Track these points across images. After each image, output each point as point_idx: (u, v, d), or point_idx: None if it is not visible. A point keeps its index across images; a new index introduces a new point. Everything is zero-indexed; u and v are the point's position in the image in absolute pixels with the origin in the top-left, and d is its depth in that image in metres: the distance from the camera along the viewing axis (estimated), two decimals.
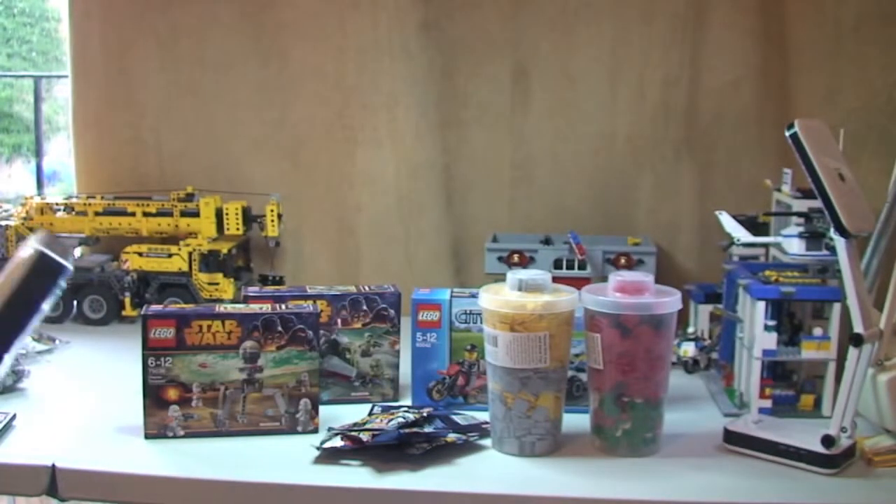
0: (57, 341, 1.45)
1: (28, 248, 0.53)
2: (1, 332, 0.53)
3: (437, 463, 1.06)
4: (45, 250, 0.53)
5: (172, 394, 1.11)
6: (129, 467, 1.04)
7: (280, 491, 1.01)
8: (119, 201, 1.68)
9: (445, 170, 1.72)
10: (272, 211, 1.64)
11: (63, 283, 0.53)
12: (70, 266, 0.54)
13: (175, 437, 1.12)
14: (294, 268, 1.76)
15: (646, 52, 1.64)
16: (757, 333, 1.19)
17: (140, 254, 1.63)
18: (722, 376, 1.34)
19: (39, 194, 1.94)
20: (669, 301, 1.08)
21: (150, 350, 1.10)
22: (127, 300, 1.62)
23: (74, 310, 1.65)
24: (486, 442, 1.12)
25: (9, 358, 0.56)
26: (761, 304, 1.18)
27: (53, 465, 1.03)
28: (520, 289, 1.09)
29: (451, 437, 1.10)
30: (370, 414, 1.19)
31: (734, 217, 1.38)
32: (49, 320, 1.61)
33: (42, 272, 0.53)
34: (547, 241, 1.55)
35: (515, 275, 1.10)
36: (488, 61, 1.69)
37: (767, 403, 1.20)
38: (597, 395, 1.11)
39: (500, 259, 1.49)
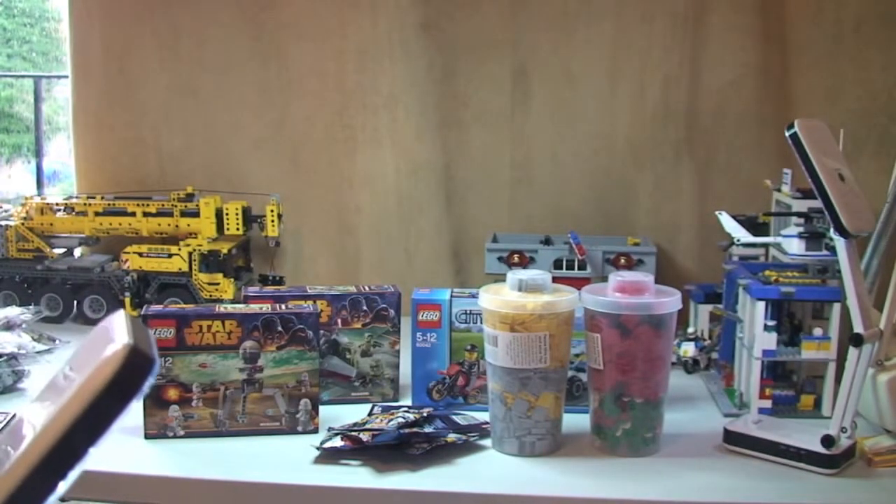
0: (57, 341, 1.45)
1: (116, 344, 0.44)
2: (75, 443, 0.45)
3: (437, 463, 1.06)
4: (137, 344, 0.44)
5: (172, 394, 1.11)
6: (129, 467, 1.04)
7: (280, 491, 1.01)
8: (119, 201, 1.68)
9: (445, 170, 1.72)
10: (272, 211, 1.64)
11: (152, 381, 0.44)
12: (158, 359, 0.45)
13: (175, 437, 1.12)
14: (294, 268, 1.76)
15: (646, 52, 1.64)
16: (757, 333, 1.19)
17: (140, 254, 1.63)
18: (722, 376, 1.34)
19: (39, 194, 1.94)
20: (669, 301, 1.08)
21: None
22: (127, 300, 1.62)
23: (74, 310, 1.66)
24: (486, 442, 1.12)
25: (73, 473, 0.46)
26: (761, 304, 1.18)
27: None
28: (520, 289, 1.09)
29: (451, 437, 1.10)
30: (370, 414, 1.18)
31: (734, 217, 1.38)
32: (49, 320, 1.61)
33: (132, 371, 0.45)
34: (547, 242, 1.54)
35: (515, 275, 1.10)
36: (488, 61, 1.68)
37: (767, 403, 1.20)
38: (597, 395, 1.11)
39: (500, 259, 1.49)
